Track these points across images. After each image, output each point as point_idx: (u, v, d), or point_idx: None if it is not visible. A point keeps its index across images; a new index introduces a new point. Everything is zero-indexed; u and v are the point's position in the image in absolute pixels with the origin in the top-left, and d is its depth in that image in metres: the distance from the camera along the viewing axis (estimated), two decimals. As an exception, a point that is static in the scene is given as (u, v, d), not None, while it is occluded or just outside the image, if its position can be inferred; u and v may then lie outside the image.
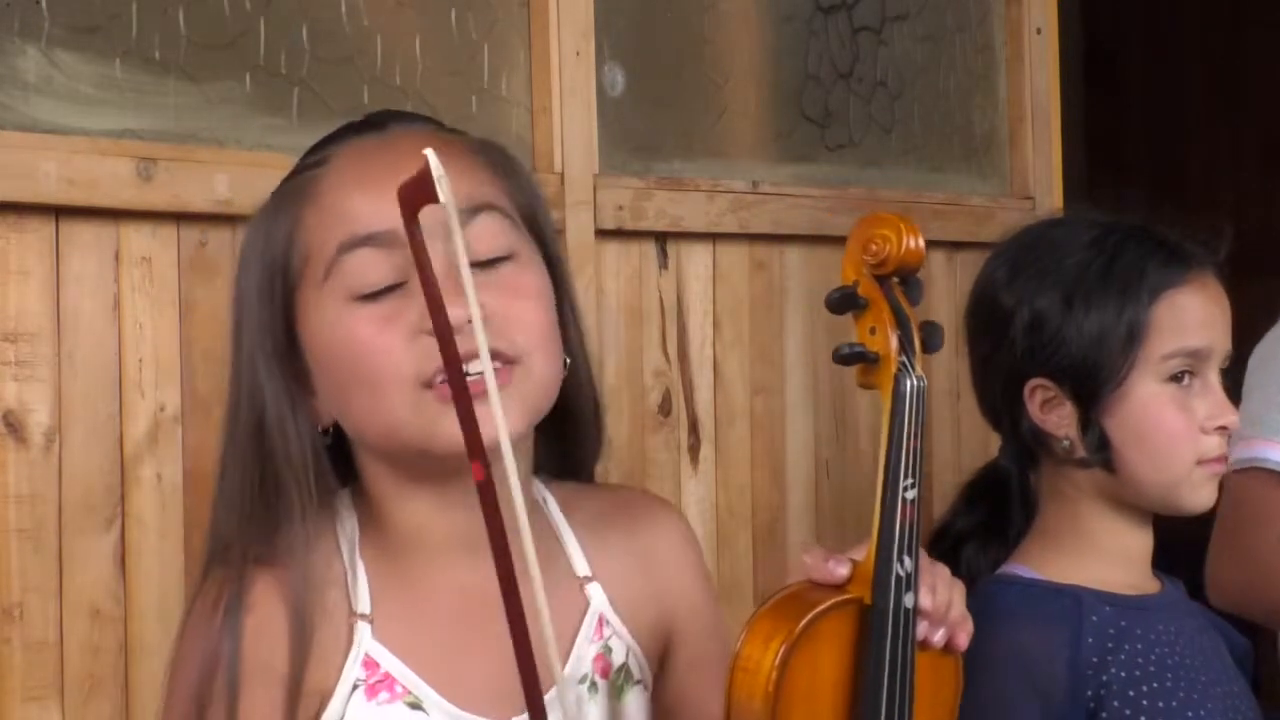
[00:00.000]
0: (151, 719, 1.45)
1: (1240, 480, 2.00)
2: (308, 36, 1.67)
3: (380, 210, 1.20)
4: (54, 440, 1.49)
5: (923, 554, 1.25)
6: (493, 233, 1.24)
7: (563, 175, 1.85)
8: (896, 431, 1.24)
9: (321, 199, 1.25)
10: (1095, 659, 1.56)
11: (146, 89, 1.56)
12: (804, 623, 1.21)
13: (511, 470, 1.00)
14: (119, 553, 1.52)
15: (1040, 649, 1.57)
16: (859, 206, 2.13)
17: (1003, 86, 2.43)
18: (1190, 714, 1.58)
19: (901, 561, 1.22)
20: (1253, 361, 2.10)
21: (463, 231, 1.20)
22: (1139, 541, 1.66)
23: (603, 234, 1.89)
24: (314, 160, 1.29)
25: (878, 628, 1.22)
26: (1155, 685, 1.57)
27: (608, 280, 1.91)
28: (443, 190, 1.01)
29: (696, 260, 2.01)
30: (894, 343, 1.24)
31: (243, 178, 1.55)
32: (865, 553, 1.24)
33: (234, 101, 1.62)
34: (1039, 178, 2.42)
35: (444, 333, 1.03)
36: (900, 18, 2.29)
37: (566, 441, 1.37)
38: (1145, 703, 1.56)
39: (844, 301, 1.27)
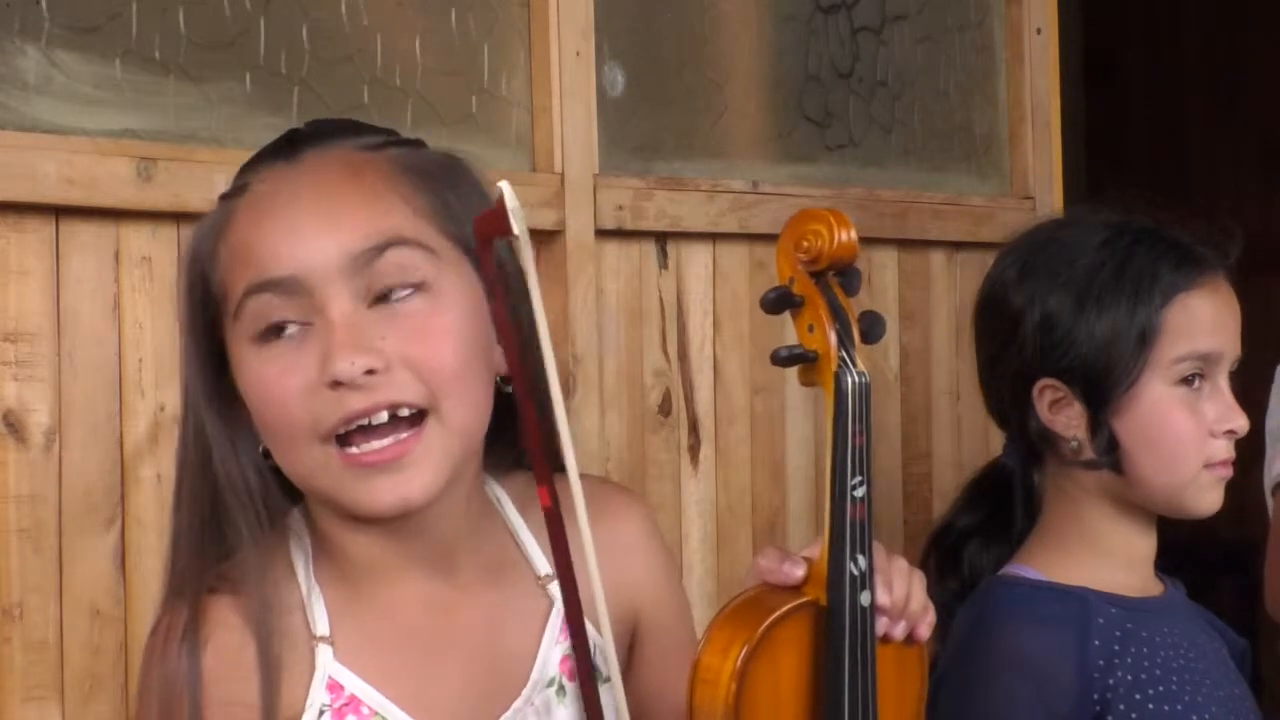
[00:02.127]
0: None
1: None
2: (308, 36, 1.67)
3: (279, 255, 1.18)
4: (54, 440, 1.49)
5: (878, 549, 1.23)
6: (400, 268, 1.19)
7: (563, 175, 1.84)
8: (841, 430, 1.21)
9: (231, 236, 1.22)
10: (1102, 661, 1.56)
11: (146, 89, 1.55)
12: (760, 630, 1.19)
13: None
14: (119, 553, 1.52)
15: (1047, 651, 1.56)
16: (859, 206, 2.13)
17: (1003, 86, 2.43)
18: (1195, 717, 1.57)
19: (855, 561, 1.20)
20: None
21: (368, 271, 1.18)
22: (1143, 543, 1.66)
23: (603, 234, 1.88)
24: (233, 189, 1.26)
25: (835, 629, 1.21)
26: (1161, 689, 1.57)
27: (608, 280, 1.90)
28: (517, 223, 1.06)
29: (696, 260, 2.01)
30: (833, 339, 1.21)
31: (243, 178, 1.55)
32: (819, 551, 1.22)
33: (234, 101, 1.62)
34: (1039, 178, 2.42)
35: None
36: (900, 18, 2.29)
37: (510, 437, 1.31)
38: (1151, 706, 1.55)
39: (779, 301, 1.24)
